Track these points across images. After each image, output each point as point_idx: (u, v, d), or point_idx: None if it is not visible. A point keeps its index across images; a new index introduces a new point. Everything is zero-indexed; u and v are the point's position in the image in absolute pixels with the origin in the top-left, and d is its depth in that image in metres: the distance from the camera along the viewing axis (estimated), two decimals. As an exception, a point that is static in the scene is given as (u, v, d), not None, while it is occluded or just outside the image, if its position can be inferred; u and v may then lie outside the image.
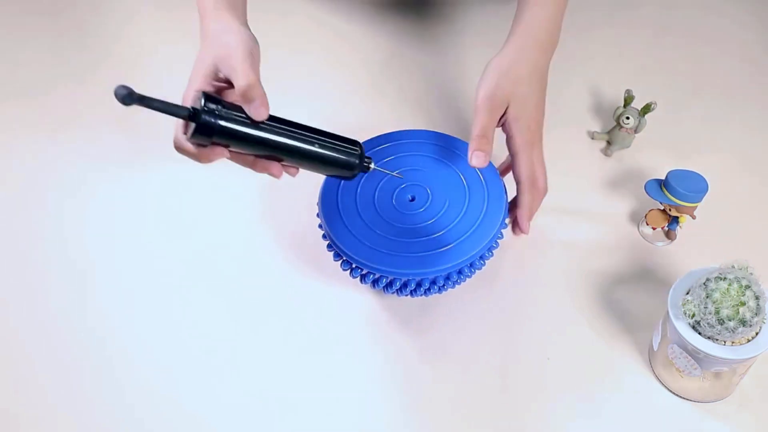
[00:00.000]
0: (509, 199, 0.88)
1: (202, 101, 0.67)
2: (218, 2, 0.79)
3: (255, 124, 0.70)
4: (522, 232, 0.88)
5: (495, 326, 0.89)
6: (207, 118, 0.67)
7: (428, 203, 0.85)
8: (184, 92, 0.74)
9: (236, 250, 0.96)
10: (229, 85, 0.73)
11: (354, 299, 0.91)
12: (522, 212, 0.87)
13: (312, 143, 0.73)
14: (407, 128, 0.93)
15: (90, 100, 1.14)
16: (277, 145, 0.72)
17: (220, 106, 0.68)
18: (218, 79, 0.73)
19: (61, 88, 1.15)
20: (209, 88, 0.72)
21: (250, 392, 0.85)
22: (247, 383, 0.86)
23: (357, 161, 0.76)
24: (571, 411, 0.83)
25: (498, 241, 0.86)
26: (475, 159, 0.81)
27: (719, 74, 1.13)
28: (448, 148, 0.90)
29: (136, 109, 0.64)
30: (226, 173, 1.03)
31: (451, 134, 0.92)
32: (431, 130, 0.93)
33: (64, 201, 1.02)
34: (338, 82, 1.14)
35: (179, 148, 0.71)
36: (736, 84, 1.11)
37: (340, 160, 0.75)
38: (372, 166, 0.78)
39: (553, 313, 0.90)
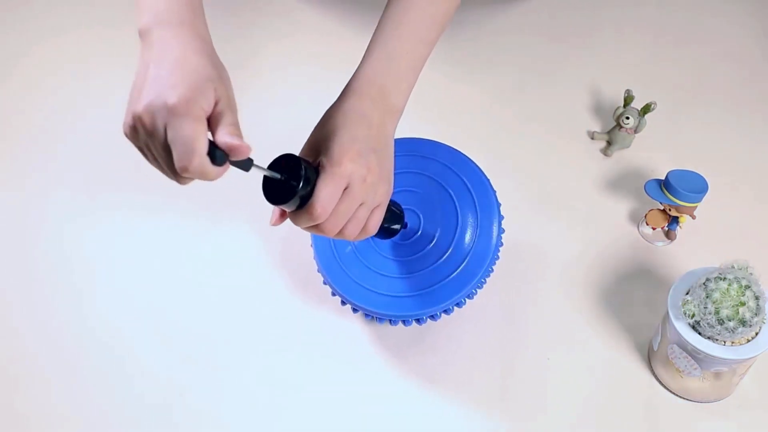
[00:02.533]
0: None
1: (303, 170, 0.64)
2: (189, 5, 0.66)
3: None
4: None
5: (495, 326, 0.89)
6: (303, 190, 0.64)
7: (419, 233, 0.81)
8: (160, 89, 0.60)
9: (233, 261, 0.97)
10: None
11: (351, 315, 0.91)
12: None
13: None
14: (402, 135, 0.89)
15: (89, 118, 1.14)
16: None
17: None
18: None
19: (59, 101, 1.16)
20: (203, 106, 0.60)
21: (241, 411, 0.85)
22: (240, 403, 0.86)
23: (402, 221, 0.79)
24: (571, 411, 0.83)
25: (492, 268, 0.82)
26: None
27: (719, 75, 1.13)
28: (439, 161, 0.84)
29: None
30: (229, 189, 1.04)
31: (446, 141, 0.87)
32: (424, 138, 0.87)
33: (68, 206, 1.03)
34: (336, 90, 1.14)
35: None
36: (736, 84, 1.11)
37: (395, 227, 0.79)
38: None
39: (553, 313, 0.90)
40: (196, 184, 0.61)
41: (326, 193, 0.65)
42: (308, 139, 0.70)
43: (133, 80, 0.61)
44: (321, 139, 0.68)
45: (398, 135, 0.91)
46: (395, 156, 0.79)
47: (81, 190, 1.04)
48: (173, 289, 0.94)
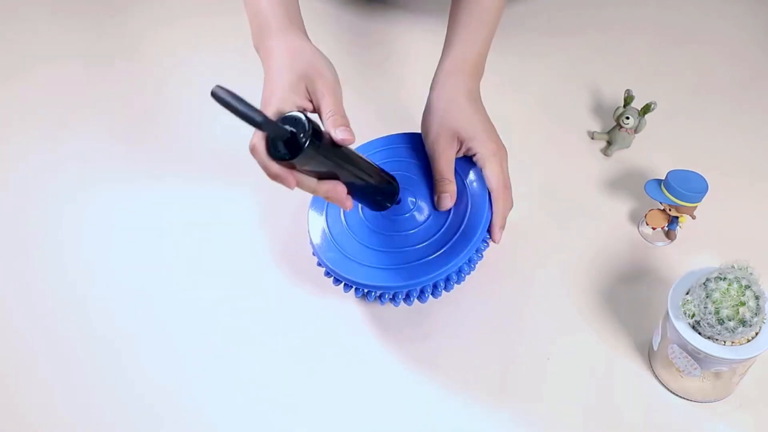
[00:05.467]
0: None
1: (307, 125, 0.66)
2: (286, 18, 0.81)
3: (343, 154, 0.73)
4: (493, 241, 0.85)
5: (495, 326, 0.89)
6: (311, 149, 0.67)
7: (413, 210, 0.84)
8: (264, 100, 0.74)
9: (232, 258, 0.97)
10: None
11: (352, 303, 0.91)
12: (494, 221, 0.84)
13: (378, 173, 0.79)
14: (396, 132, 0.92)
15: (92, 103, 1.14)
16: (355, 172, 0.75)
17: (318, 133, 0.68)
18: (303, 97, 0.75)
19: (63, 90, 1.16)
20: (296, 105, 0.74)
21: (246, 398, 0.85)
22: (243, 389, 0.86)
23: (398, 194, 0.82)
24: (570, 411, 0.83)
25: (486, 242, 0.84)
26: (442, 203, 0.83)
27: (719, 74, 1.13)
28: None
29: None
30: (224, 181, 1.04)
31: None
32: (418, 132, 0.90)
33: (65, 204, 1.03)
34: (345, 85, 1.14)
35: (265, 168, 0.70)
36: (736, 84, 1.11)
37: (392, 191, 0.82)
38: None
39: (553, 313, 0.90)
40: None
41: (499, 176, 0.83)
42: (435, 121, 0.84)
43: None
44: (460, 125, 0.84)
45: (404, 129, 0.92)
46: (400, 148, 0.90)
47: (75, 185, 1.04)
48: (166, 282, 0.94)
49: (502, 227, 0.85)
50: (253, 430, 0.83)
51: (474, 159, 0.85)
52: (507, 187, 0.85)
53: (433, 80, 0.88)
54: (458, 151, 0.85)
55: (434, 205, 0.84)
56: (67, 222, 1.01)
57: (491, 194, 0.84)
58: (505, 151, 0.86)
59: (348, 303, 0.91)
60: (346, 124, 0.73)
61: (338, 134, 0.71)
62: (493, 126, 0.86)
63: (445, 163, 0.84)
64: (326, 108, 0.74)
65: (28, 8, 1.27)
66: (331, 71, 0.78)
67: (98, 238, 0.99)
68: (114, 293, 0.94)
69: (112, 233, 0.99)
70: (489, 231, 0.84)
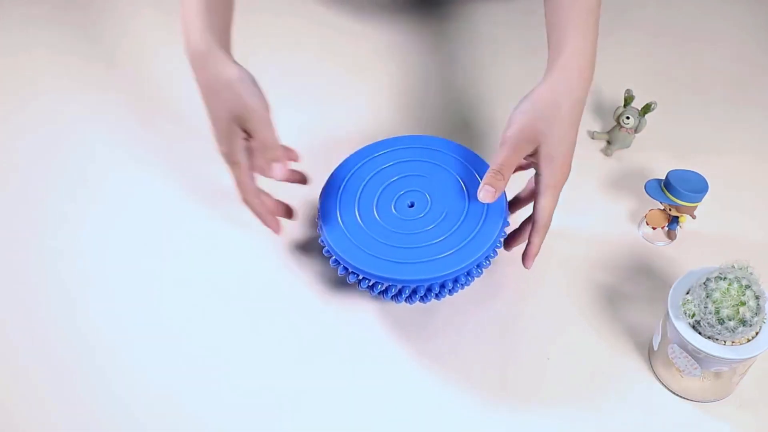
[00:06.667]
0: (509, 219, 0.87)
1: None
2: (207, 33, 0.80)
3: None
4: (525, 267, 0.85)
5: (495, 326, 0.89)
6: None
7: (427, 210, 0.85)
8: (216, 143, 0.82)
9: (235, 253, 0.96)
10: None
11: (353, 302, 0.91)
12: (531, 251, 0.83)
13: None
14: (409, 133, 0.93)
15: (88, 100, 1.14)
16: None
17: None
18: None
19: (59, 89, 1.16)
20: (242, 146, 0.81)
21: (247, 397, 0.85)
22: (245, 389, 0.86)
23: None
24: (570, 411, 0.83)
25: (496, 250, 0.85)
26: (483, 194, 0.80)
27: (719, 74, 1.13)
28: (450, 154, 0.89)
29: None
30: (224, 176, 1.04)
31: (454, 140, 0.91)
32: (434, 135, 0.92)
33: (60, 204, 1.03)
34: (340, 87, 1.14)
35: None
36: (736, 84, 1.11)
37: None
38: None
39: (553, 313, 0.90)
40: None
41: (550, 211, 0.82)
42: (527, 116, 0.79)
43: None
44: (547, 138, 0.79)
45: (404, 132, 0.92)
46: (417, 149, 0.90)
47: (72, 189, 1.04)
48: (161, 276, 0.94)
49: (535, 256, 0.84)
50: (260, 427, 0.83)
51: (536, 177, 0.82)
52: (550, 221, 0.82)
53: (548, 71, 0.81)
54: (527, 157, 0.81)
55: (477, 197, 0.81)
56: (70, 220, 1.01)
57: (534, 224, 0.82)
58: (568, 176, 0.82)
59: (354, 301, 0.91)
60: (278, 158, 0.81)
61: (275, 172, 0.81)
62: (573, 149, 0.81)
63: (509, 160, 0.79)
64: (258, 143, 0.80)
65: None
66: (255, 96, 0.79)
67: (101, 237, 0.99)
68: (114, 295, 0.94)
69: (114, 233, 0.99)
70: (523, 257, 0.85)
